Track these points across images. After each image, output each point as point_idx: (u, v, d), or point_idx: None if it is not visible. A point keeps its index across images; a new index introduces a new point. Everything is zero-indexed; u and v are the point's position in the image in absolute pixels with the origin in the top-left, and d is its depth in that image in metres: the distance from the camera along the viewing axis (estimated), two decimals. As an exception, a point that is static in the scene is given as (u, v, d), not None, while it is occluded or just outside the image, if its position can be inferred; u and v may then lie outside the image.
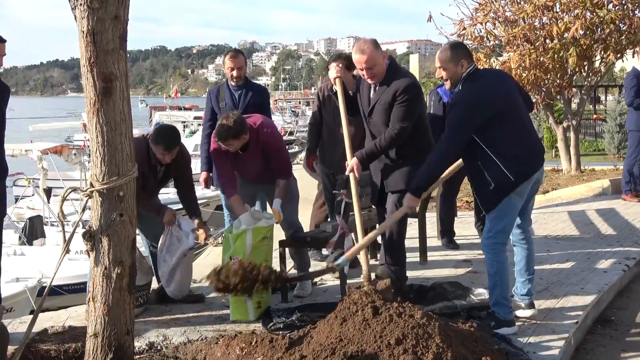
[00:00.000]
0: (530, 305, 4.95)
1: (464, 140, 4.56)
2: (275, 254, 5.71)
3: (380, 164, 5.36)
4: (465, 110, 4.55)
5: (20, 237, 13.35)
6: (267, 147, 5.53)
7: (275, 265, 5.68)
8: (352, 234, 5.40)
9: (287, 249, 5.86)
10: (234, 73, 6.24)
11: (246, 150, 5.49)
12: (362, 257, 4.98)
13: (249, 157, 5.54)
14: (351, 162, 5.16)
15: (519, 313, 4.91)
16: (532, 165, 4.68)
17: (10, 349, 4.24)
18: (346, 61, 6.02)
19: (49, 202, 15.07)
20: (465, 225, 8.25)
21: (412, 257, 6.39)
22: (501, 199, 4.59)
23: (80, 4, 3.42)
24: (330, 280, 6.14)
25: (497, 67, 11.20)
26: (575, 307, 5.28)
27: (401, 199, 4.98)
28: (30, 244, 13.41)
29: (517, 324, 4.76)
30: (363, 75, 5.23)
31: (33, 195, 16.86)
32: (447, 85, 4.82)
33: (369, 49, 5.07)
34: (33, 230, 13.92)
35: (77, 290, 10.45)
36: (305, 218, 6.18)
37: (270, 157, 5.55)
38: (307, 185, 6.52)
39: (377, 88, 5.25)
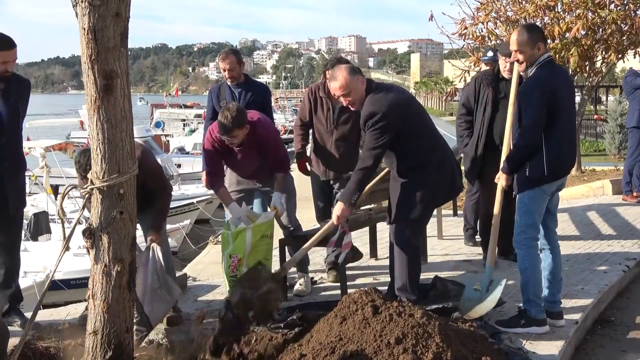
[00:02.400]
0: (559, 315, 4.88)
1: (542, 126, 4.55)
2: (275, 252, 5.70)
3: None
4: (542, 94, 4.52)
5: (25, 234, 13.36)
6: (265, 143, 5.50)
7: (275, 263, 5.70)
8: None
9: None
10: (226, 74, 6.20)
11: (242, 145, 5.46)
12: None
13: (246, 153, 5.51)
14: (337, 207, 4.89)
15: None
16: (565, 169, 4.75)
17: (11, 344, 4.24)
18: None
19: (56, 199, 15.09)
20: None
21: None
22: (531, 187, 4.64)
23: (82, 1, 3.41)
24: (330, 280, 6.15)
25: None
26: (575, 307, 5.27)
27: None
28: (35, 239, 13.43)
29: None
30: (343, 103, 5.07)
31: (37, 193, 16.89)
32: (521, 67, 4.73)
33: (342, 75, 4.81)
34: (38, 226, 13.94)
35: (82, 285, 10.47)
36: (304, 216, 6.18)
37: (267, 153, 5.53)
38: (305, 183, 6.50)
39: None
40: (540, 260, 4.83)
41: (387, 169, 5.43)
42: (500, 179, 4.87)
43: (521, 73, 4.92)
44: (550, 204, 4.87)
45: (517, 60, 4.73)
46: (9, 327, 4.90)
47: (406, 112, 4.82)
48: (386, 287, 5.18)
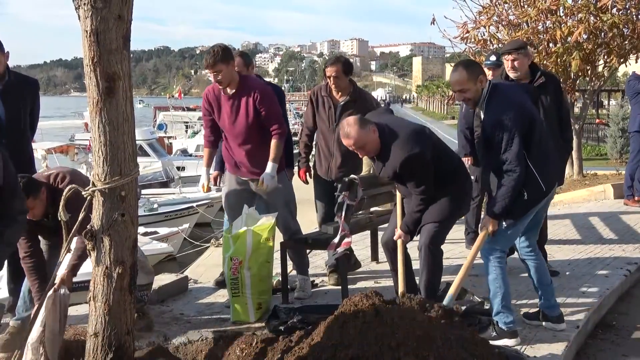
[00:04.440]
0: (560, 319, 4.88)
1: (523, 154, 4.43)
2: (277, 255, 5.70)
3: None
4: (511, 125, 4.39)
5: None
6: (255, 95, 5.46)
7: (276, 266, 5.70)
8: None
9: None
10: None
11: (233, 96, 5.49)
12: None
13: (237, 107, 5.51)
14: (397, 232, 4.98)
15: (547, 324, 4.88)
16: (557, 175, 4.69)
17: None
18: (344, 65, 6.01)
19: None
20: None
21: (413, 260, 6.38)
22: (530, 209, 4.56)
23: (84, 4, 3.41)
24: (331, 283, 6.15)
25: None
26: (576, 311, 5.27)
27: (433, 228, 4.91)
28: None
29: (518, 328, 4.74)
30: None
31: None
32: (470, 105, 4.67)
33: (354, 131, 4.73)
34: None
35: (82, 288, 10.45)
36: (305, 218, 6.18)
37: (260, 108, 5.46)
38: (305, 186, 6.50)
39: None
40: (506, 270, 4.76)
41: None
42: (489, 226, 4.62)
43: (470, 110, 4.91)
44: (535, 219, 4.78)
45: (464, 100, 4.67)
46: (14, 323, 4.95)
47: (430, 135, 4.89)
48: (387, 290, 5.17)
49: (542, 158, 4.53)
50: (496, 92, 4.55)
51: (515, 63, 5.88)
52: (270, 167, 5.44)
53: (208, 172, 5.87)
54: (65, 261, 4.20)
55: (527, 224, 4.71)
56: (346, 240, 5.20)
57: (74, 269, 4.65)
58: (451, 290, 4.62)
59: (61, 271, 4.46)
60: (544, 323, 4.90)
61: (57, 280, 4.37)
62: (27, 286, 4.98)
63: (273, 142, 5.49)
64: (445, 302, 4.49)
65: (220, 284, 6.12)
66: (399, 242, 5.01)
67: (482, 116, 4.60)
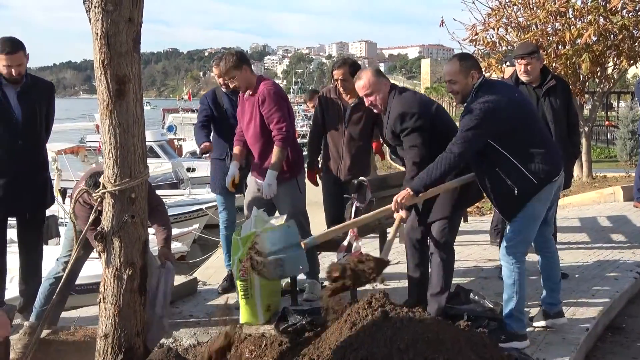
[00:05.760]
0: (559, 314, 4.89)
1: (475, 145, 4.41)
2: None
3: None
4: (483, 115, 4.37)
5: None
6: (260, 99, 5.45)
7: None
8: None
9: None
10: (222, 80, 6.11)
11: (249, 96, 5.52)
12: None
13: (249, 107, 5.55)
14: (401, 192, 4.70)
15: (548, 322, 4.87)
16: (554, 167, 4.58)
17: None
18: (351, 67, 6.01)
19: (63, 203, 15.12)
20: (475, 230, 8.24)
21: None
22: (524, 204, 4.48)
23: (95, 7, 3.44)
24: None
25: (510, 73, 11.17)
26: (585, 314, 5.25)
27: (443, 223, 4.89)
28: (46, 243, 13.43)
29: (527, 329, 4.72)
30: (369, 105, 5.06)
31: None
32: (457, 99, 4.62)
33: (367, 76, 4.92)
34: (48, 230, 13.96)
35: (90, 290, 10.46)
36: (314, 220, 6.17)
37: (264, 112, 5.45)
38: (314, 188, 6.50)
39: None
40: (526, 275, 4.72)
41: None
42: (401, 196, 4.56)
43: (457, 104, 4.89)
44: (549, 213, 4.78)
45: (452, 92, 4.63)
46: (24, 322, 4.99)
47: (435, 112, 4.88)
48: (396, 293, 5.17)
49: (528, 153, 4.44)
50: (484, 86, 4.51)
51: (529, 67, 5.87)
52: (268, 175, 5.42)
53: (237, 166, 5.75)
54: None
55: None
56: (356, 250, 5.18)
57: (168, 241, 4.78)
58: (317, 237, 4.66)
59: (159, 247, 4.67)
60: (544, 322, 4.88)
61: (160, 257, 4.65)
62: (46, 283, 5.04)
63: (274, 149, 5.46)
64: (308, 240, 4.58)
65: (226, 290, 6.12)
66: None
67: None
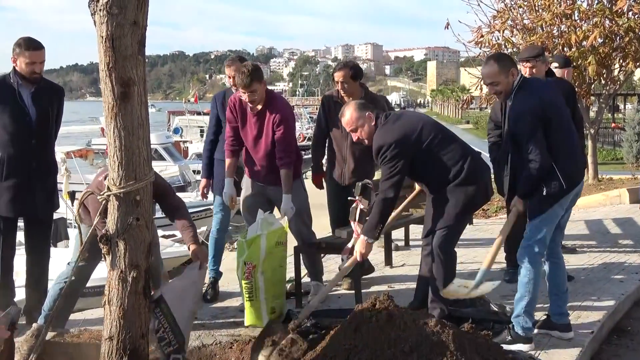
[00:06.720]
0: (567, 328, 4.82)
1: (545, 145, 4.44)
2: (290, 260, 5.71)
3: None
4: (532, 117, 4.43)
5: None
6: (277, 120, 5.40)
7: (290, 271, 5.71)
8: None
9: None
10: (232, 81, 6.12)
11: (259, 111, 5.44)
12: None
13: (260, 123, 5.48)
14: (359, 244, 4.93)
15: (554, 333, 4.82)
16: (580, 174, 4.63)
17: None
18: (352, 70, 6.00)
19: (72, 205, 15.16)
20: (479, 231, 8.23)
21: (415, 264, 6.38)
22: (551, 206, 4.54)
23: (100, 10, 3.45)
24: (345, 287, 6.15)
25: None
26: (591, 316, 5.25)
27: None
28: (55, 245, 13.47)
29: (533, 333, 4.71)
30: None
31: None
32: (501, 98, 4.71)
33: (349, 112, 4.90)
34: (57, 232, 14.00)
35: (96, 293, 10.46)
36: (317, 223, 6.17)
37: (275, 133, 5.41)
38: (318, 191, 6.50)
39: None
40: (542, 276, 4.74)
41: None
42: (519, 205, 4.66)
43: (502, 103, 4.90)
44: (562, 219, 4.79)
45: (495, 93, 4.69)
46: (33, 324, 5.00)
47: (417, 137, 4.78)
48: (401, 295, 5.17)
49: (564, 155, 4.51)
50: (525, 84, 4.58)
51: (534, 70, 5.86)
52: (286, 200, 5.42)
53: (232, 182, 5.70)
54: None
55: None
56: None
57: (196, 238, 4.66)
58: (484, 265, 4.63)
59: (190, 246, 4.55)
60: (551, 332, 4.83)
61: (193, 257, 4.53)
62: (56, 287, 5.05)
63: (282, 173, 5.43)
64: (478, 277, 4.57)
65: (214, 298, 6.05)
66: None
67: (508, 110, 4.66)
